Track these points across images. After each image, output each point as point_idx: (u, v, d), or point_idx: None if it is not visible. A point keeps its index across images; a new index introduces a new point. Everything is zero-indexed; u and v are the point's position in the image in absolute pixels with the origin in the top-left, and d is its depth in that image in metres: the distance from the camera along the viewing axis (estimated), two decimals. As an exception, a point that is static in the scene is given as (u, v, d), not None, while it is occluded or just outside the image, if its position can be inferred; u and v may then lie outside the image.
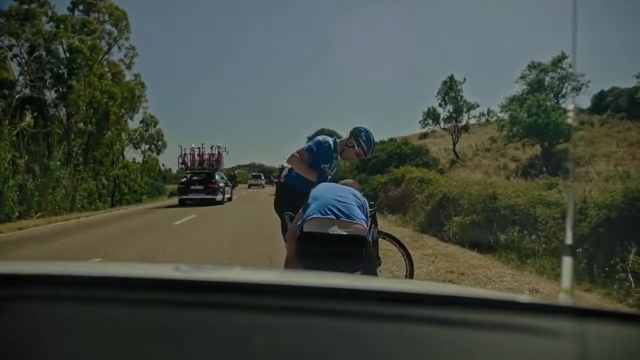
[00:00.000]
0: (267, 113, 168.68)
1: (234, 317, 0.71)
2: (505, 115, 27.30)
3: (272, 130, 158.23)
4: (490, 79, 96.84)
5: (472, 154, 30.21)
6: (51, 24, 20.83)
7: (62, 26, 20.35)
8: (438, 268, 5.73)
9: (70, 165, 17.78)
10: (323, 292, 0.78)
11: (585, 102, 35.66)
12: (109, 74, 23.81)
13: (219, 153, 20.38)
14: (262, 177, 41.99)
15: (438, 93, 30.77)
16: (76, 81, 19.36)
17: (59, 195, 15.17)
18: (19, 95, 18.50)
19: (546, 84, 27.22)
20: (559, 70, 27.43)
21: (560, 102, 27.50)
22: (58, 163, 15.44)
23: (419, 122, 32.59)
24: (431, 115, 31.63)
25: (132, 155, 32.43)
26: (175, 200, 19.74)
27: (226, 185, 20.25)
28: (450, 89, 30.10)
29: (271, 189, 31.27)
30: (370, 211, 4.27)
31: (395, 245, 4.32)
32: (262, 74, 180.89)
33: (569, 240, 0.88)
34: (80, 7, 24.01)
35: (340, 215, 2.65)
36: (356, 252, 2.57)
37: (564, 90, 27.86)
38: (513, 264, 6.23)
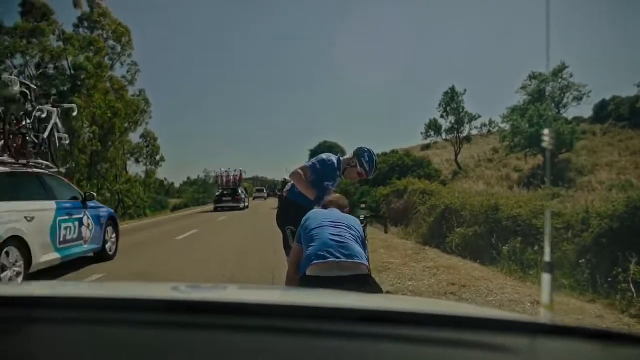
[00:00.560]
0: (269, 126, 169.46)
1: (233, 338, 0.73)
2: (506, 126, 27.35)
3: (274, 144, 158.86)
4: (491, 89, 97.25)
5: (475, 164, 30.19)
6: (60, 43, 21.18)
7: (69, 44, 20.63)
8: (440, 280, 5.71)
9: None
10: (315, 313, 0.80)
11: (587, 111, 35.69)
12: (112, 90, 24.04)
13: (240, 174, 30.73)
14: (264, 191, 49.80)
15: (439, 104, 30.92)
16: (79, 98, 19.55)
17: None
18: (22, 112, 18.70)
19: (547, 94, 27.28)
20: (559, 81, 27.51)
21: (561, 112, 27.56)
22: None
23: (421, 133, 32.74)
24: (433, 127, 31.73)
25: (135, 170, 32.39)
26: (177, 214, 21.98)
27: (245, 196, 28.97)
28: (451, 100, 30.24)
29: (272, 201, 31.42)
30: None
31: None
32: (263, 86, 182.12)
33: (547, 257, 0.90)
34: (85, 24, 24.40)
35: (341, 256, 2.62)
36: (359, 290, 2.54)
37: (565, 100, 27.92)
38: (515, 275, 6.20)
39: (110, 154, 21.92)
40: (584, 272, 5.58)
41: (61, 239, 6.41)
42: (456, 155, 30.66)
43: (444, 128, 31.34)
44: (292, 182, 4.07)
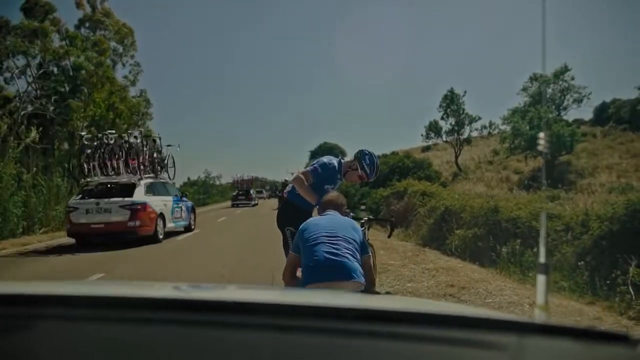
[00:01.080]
0: (270, 127, 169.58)
1: (232, 336, 0.74)
2: (507, 128, 27.38)
3: (274, 144, 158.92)
4: (491, 91, 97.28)
5: (475, 166, 30.22)
6: (63, 42, 21.09)
7: (72, 44, 20.56)
8: (439, 282, 5.72)
9: (74, 180, 17.92)
10: (314, 311, 0.81)
11: (587, 113, 35.73)
12: (115, 91, 23.96)
13: (251, 179, 44.89)
14: (263, 192, 53.70)
15: (440, 106, 30.95)
16: (78, 98, 19.54)
17: (63, 210, 15.24)
18: (24, 112, 18.69)
19: (548, 95, 27.30)
20: (560, 82, 27.55)
21: (561, 114, 27.58)
22: (61, 179, 15.50)
23: (421, 135, 32.76)
24: (433, 129, 31.77)
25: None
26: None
27: (255, 196, 37.11)
28: (451, 102, 30.27)
29: (272, 202, 31.50)
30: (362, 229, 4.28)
31: None
32: (263, 87, 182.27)
33: (541, 258, 0.91)
34: (87, 24, 24.34)
35: (335, 276, 2.63)
36: None
37: (565, 102, 27.95)
38: (515, 277, 6.20)
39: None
40: (583, 274, 5.58)
41: (174, 217, 12.02)
42: (456, 157, 30.69)
43: (444, 130, 31.43)
44: (292, 184, 4.09)
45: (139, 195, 10.28)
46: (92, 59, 20.92)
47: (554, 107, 27.36)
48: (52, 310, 0.82)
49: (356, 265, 2.67)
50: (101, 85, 20.43)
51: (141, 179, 11.02)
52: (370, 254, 2.97)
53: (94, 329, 0.77)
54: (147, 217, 10.25)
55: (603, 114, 34.08)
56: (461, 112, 30.37)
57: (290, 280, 2.89)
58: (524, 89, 28.63)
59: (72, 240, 10.41)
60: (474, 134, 32.89)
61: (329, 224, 2.84)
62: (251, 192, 36.43)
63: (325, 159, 4.01)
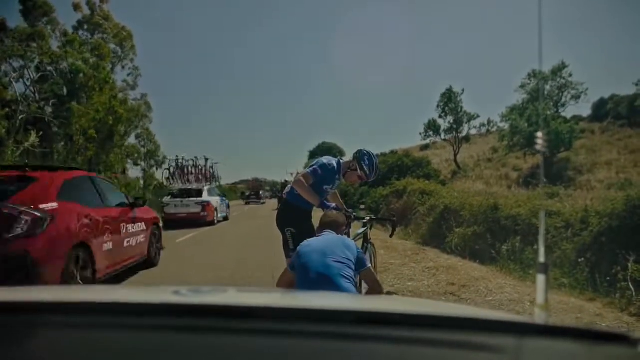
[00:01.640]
0: (269, 127, 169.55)
1: (232, 341, 0.74)
2: (505, 125, 27.40)
3: (273, 145, 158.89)
4: (490, 88, 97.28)
5: (474, 164, 30.23)
6: (62, 41, 20.97)
7: (71, 46, 20.46)
8: (439, 281, 5.72)
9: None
10: (314, 315, 0.81)
11: (585, 110, 35.76)
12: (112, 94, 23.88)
13: (261, 182, 55.57)
14: (261, 194, 58.88)
15: (438, 105, 30.95)
16: (77, 102, 19.49)
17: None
18: (22, 116, 18.64)
19: (546, 92, 27.30)
20: (558, 79, 27.56)
21: (560, 110, 27.58)
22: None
23: (420, 134, 32.75)
24: (432, 127, 31.76)
25: (136, 173, 31.95)
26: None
27: (264, 196, 45.85)
28: (449, 101, 30.27)
29: (273, 203, 31.62)
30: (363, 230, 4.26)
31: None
32: (263, 87, 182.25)
33: (541, 258, 0.90)
34: (85, 27, 24.27)
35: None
36: None
37: (563, 99, 27.96)
38: (515, 274, 6.20)
39: (110, 159, 21.86)
40: (584, 271, 5.59)
41: (221, 210, 17.49)
42: (455, 155, 30.69)
43: (442, 128, 31.39)
44: (291, 185, 4.08)
45: (205, 196, 16.20)
46: (89, 61, 20.86)
47: (552, 104, 27.36)
48: (53, 317, 0.81)
49: (346, 284, 2.65)
50: (100, 89, 20.37)
51: (204, 185, 17.51)
52: (370, 266, 2.96)
53: (94, 336, 0.77)
54: (210, 210, 16.07)
55: (601, 110, 34.10)
56: (459, 110, 30.37)
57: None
58: (522, 86, 28.64)
59: None
60: (473, 132, 32.92)
61: (322, 245, 2.86)
62: (260, 193, 45.77)
63: (325, 159, 4.00)
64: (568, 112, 29.37)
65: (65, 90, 20.14)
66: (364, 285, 3.16)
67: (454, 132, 30.97)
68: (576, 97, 27.68)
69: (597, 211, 6.17)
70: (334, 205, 3.75)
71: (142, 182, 28.29)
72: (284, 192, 4.24)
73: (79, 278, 4.69)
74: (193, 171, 20.51)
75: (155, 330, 0.77)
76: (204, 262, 7.66)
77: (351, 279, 2.71)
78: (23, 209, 4.21)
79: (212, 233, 13.42)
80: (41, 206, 4.40)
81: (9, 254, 4.07)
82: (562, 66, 27.19)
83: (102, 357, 0.73)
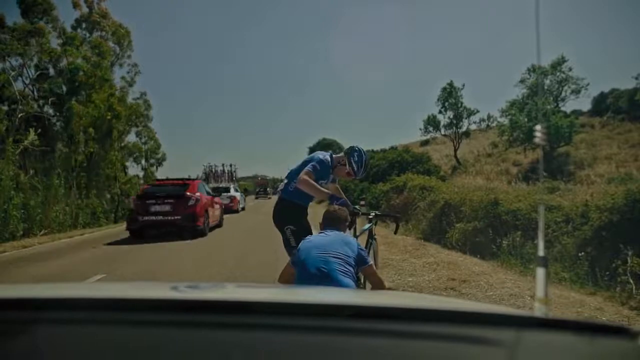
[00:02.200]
0: (269, 123, 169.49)
1: (232, 336, 0.74)
2: (505, 120, 27.31)
3: (274, 141, 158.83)
4: (489, 83, 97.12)
5: (474, 159, 30.20)
6: (61, 42, 20.88)
7: (71, 44, 20.36)
8: (440, 276, 5.73)
9: (74, 182, 17.86)
10: (313, 310, 0.82)
11: (585, 104, 35.68)
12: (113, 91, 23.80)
13: (266, 181, 68.94)
14: (267, 189, 66.19)
15: (438, 100, 30.87)
16: (77, 100, 19.44)
17: (62, 212, 15.22)
18: (21, 114, 18.62)
19: (546, 87, 27.24)
20: (558, 74, 27.47)
21: (559, 105, 27.52)
22: (60, 180, 15.47)
23: (420, 129, 32.69)
24: (432, 123, 31.68)
25: (136, 170, 31.78)
26: None
27: (270, 191, 53.38)
28: (449, 96, 30.18)
29: (275, 198, 32.24)
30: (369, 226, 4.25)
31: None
32: (263, 84, 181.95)
33: (540, 251, 0.91)
34: (84, 25, 24.18)
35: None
36: None
37: (563, 93, 27.89)
38: (516, 269, 6.21)
39: (109, 156, 21.83)
40: (584, 265, 5.60)
41: (241, 202, 25.33)
42: (455, 150, 30.65)
43: (442, 123, 31.30)
44: (285, 182, 4.06)
45: (233, 192, 23.68)
46: (89, 59, 20.80)
47: (551, 98, 27.29)
48: (53, 313, 0.82)
49: (346, 279, 2.67)
50: (99, 87, 20.32)
51: (231, 184, 25.33)
52: (372, 263, 2.97)
53: (94, 332, 0.77)
54: (236, 201, 22.81)
55: (601, 105, 34.02)
56: (459, 105, 30.30)
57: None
58: (522, 81, 28.54)
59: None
60: (473, 127, 32.83)
61: (322, 241, 2.88)
62: (267, 189, 55.40)
63: (320, 154, 3.98)
64: (568, 107, 29.34)
65: (64, 88, 20.08)
66: (367, 284, 3.17)
67: (454, 128, 30.92)
68: (576, 92, 27.60)
69: (598, 205, 6.17)
70: (343, 199, 3.72)
71: (142, 180, 28.23)
72: (279, 189, 4.22)
73: (208, 224, 12.27)
74: (222, 173, 32.33)
75: (154, 325, 0.77)
76: (240, 227, 15.17)
77: (351, 275, 2.72)
78: (190, 194, 11.55)
79: (238, 217, 20.00)
80: (195, 194, 11.68)
81: (189, 213, 11.28)
82: (562, 60, 27.11)
83: (101, 353, 0.73)
